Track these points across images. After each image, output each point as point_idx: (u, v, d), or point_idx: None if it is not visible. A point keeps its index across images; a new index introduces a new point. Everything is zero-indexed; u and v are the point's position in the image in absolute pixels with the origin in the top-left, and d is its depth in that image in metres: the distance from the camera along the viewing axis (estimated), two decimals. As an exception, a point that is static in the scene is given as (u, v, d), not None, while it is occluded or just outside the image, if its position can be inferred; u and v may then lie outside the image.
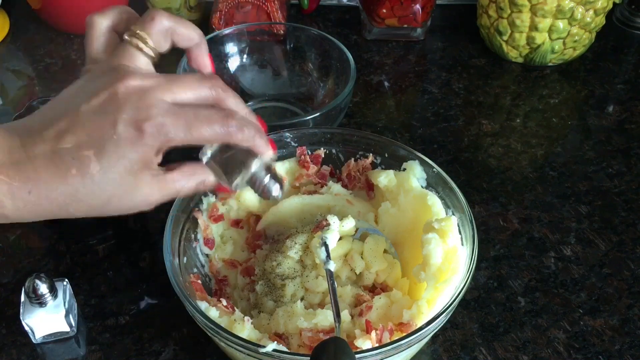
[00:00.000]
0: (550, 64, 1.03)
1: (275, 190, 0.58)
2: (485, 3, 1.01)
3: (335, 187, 0.74)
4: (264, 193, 0.57)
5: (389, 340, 0.58)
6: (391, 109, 0.97)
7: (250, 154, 0.54)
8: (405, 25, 1.07)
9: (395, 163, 0.73)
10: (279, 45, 0.96)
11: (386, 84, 1.02)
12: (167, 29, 0.52)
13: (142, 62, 0.52)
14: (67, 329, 0.67)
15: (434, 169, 0.70)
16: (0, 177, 0.46)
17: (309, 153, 0.76)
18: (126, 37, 0.52)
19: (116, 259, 0.76)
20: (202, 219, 0.70)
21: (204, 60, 0.56)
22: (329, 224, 0.67)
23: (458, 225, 0.65)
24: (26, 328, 0.66)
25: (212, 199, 0.71)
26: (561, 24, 0.97)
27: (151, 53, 0.52)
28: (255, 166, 0.55)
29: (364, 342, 0.58)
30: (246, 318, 0.60)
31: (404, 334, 0.57)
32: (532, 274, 0.75)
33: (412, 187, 0.70)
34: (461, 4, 1.16)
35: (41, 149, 0.47)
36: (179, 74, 0.56)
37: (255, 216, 0.73)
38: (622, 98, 0.99)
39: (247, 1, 1.00)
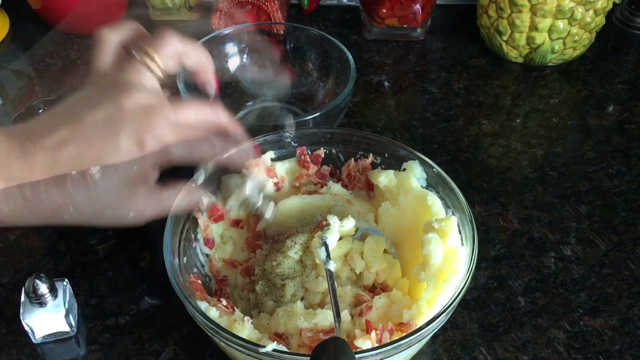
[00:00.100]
0: (550, 64, 1.03)
1: (269, 212, 0.60)
2: (485, 3, 1.02)
3: (335, 187, 0.74)
4: (256, 212, 0.59)
5: (389, 340, 0.58)
6: (391, 109, 0.97)
7: (244, 177, 0.56)
8: (405, 25, 1.07)
9: (395, 163, 0.73)
10: (279, 45, 0.96)
11: (386, 84, 1.02)
12: (177, 51, 0.53)
13: (150, 80, 0.52)
14: (67, 329, 0.67)
15: (434, 169, 0.70)
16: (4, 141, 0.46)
17: (309, 153, 0.76)
18: (135, 53, 0.52)
19: (116, 259, 0.76)
20: (202, 219, 0.70)
21: (210, 80, 0.57)
22: (329, 224, 0.67)
23: (458, 225, 0.65)
24: (26, 328, 0.66)
25: (212, 198, 0.71)
26: (561, 24, 0.97)
27: (159, 72, 0.52)
28: (249, 189, 0.57)
29: (364, 342, 0.58)
30: (246, 318, 0.60)
31: (404, 334, 0.57)
32: (532, 274, 0.75)
33: (412, 187, 0.70)
34: (461, 4, 1.16)
35: (40, 156, 0.47)
36: (183, 100, 0.58)
37: (255, 216, 0.73)
38: (622, 98, 0.99)
39: (247, 1, 1.00)
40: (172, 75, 0.54)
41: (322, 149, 0.76)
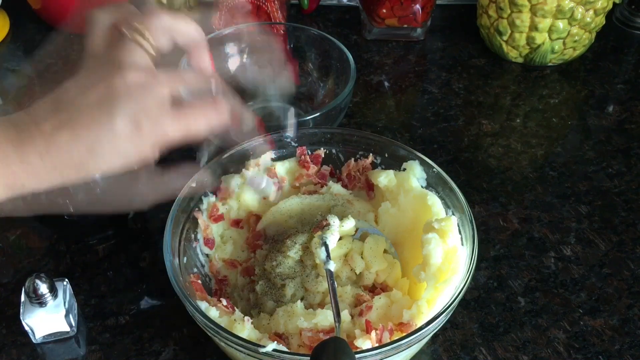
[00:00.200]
0: (550, 64, 1.03)
1: (273, 193, 0.58)
2: (485, 3, 1.01)
3: (335, 187, 0.74)
4: (262, 193, 0.58)
5: (389, 340, 0.58)
6: (391, 109, 0.97)
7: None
8: (405, 25, 1.07)
9: (395, 163, 0.73)
10: (281, 44, 0.96)
11: (386, 84, 1.02)
12: (167, 26, 0.52)
13: (141, 57, 0.51)
14: (67, 329, 0.67)
15: (434, 169, 0.70)
16: (6, 145, 0.45)
17: (309, 153, 0.76)
18: (125, 31, 0.51)
19: (116, 259, 0.76)
20: (202, 219, 0.70)
21: (205, 59, 0.56)
22: (329, 224, 0.67)
23: (458, 225, 0.65)
24: (26, 328, 0.66)
25: (212, 198, 0.71)
26: (561, 24, 0.97)
27: (150, 50, 0.51)
28: (253, 167, 0.56)
29: (364, 342, 0.58)
30: (246, 318, 0.60)
31: (404, 334, 0.57)
32: (532, 274, 0.75)
33: (412, 187, 0.70)
34: (461, 4, 1.16)
35: (37, 143, 0.46)
36: (177, 70, 0.56)
37: (255, 216, 0.73)
38: (622, 98, 0.99)
39: (247, 1, 1.00)
40: (166, 53, 0.53)
41: (322, 149, 0.76)
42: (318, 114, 0.79)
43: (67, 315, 0.66)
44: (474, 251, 0.62)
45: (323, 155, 0.76)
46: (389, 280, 0.68)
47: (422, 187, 0.71)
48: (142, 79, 0.48)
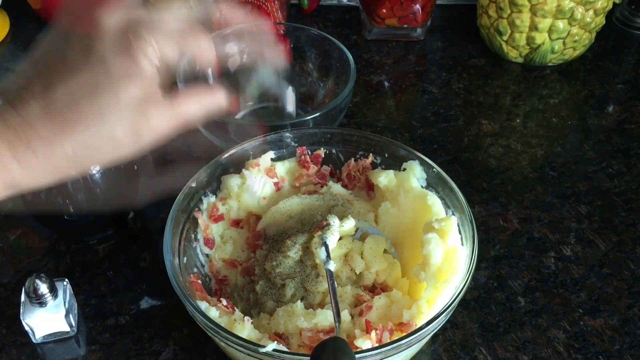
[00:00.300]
0: (550, 64, 1.03)
1: (290, 104, 0.54)
2: (485, 3, 1.01)
3: (335, 187, 0.74)
4: (277, 109, 0.54)
5: (389, 340, 0.58)
6: (391, 109, 0.97)
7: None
8: (405, 25, 1.07)
9: (395, 163, 0.73)
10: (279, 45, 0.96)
11: (386, 84, 1.02)
12: (177, 40, 0.50)
13: (147, 68, 0.48)
14: (67, 328, 0.67)
15: (434, 169, 0.70)
16: (1, 146, 0.44)
17: (309, 153, 0.76)
18: (132, 40, 0.48)
19: (116, 259, 0.76)
20: (202, 219, 0.70)
21: (208, 70, 0.54)
22: (329, 224, 0.67)
23: (458, 225, 0.65)
24: (26, 328, 0.66)
25: (212, 198, 0.71)
26: (561, 24, 0.97)
27: (156, 61, 0.49)
28: (265, 77, 0.52)
29: (364, 342, 0.58)
30: (246, 318, 0.60)
31: (404, 334, 0.57)
32: (532, 274, 0.75)
33: (412, 187, 0.70)
34: (461, 4, 1.16)
35: (34, 107, 0.45)
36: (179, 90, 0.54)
37: (255, 216, 0.73)
38: (622, 98, 0.99)
39: (247, 1, 1.00)
40: (171, 63, 0.51)
41: (322, 149, 0.76)
42: (318, 114, 0.79)
43: (67, 315, 0.66)
44: (474, 251, 0.62)
45: (323, 155, 0.76)
46: (389, 280, 0.68)
47: (422, 187, 0.71)
48: (145, 91, 0.47)
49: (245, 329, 0.59)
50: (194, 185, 0.69)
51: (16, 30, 1.10)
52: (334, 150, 0.76)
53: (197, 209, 0.70)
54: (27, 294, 0.64)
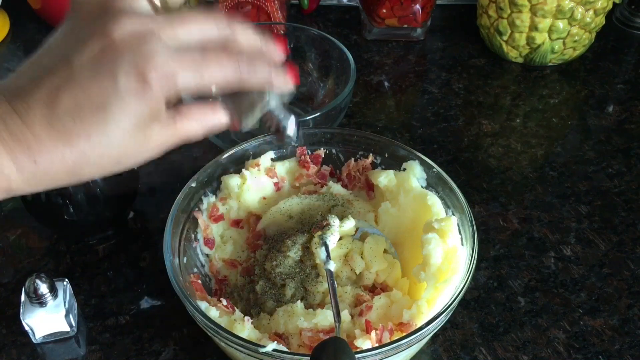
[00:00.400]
0: (550, 64, 1.03)
1: (291, 129, 0.51)
2: (485, 3, 1.02)
3: (335, 187, 0.74)
4: (278, 132, 0.52)
5: (388, 340, 0.58)
6: (391, 109, 0.97)
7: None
8: (405, 25, 1.07)
9: (395, 163, 0.73)
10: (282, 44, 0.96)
11: (386, 84, 1.02)
12: None
13: (140, 3, 0.45)
14: (67, 328, 0.67)
15: (434, 169, 0.70)
16: (1, 150, 0.43)
17: (309, 153, 0.76)
18: None
19: (116, 259, 0.76)
20: (202, 219, 0.70)
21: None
22: (329, 224, 0.67)
23: (458, 225, 0.65)
24: (26, 328, 0.66)
25: (212, 198, 0.72)
26: (561, 24, 0.97)
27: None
28: (270, 101, 0.50)
29: (364, 342, 0.58)
30: (246, 318, 0.60)
31: (404, 334, 0.57)
32: (532, 274, 0.75)
33: (412, 187, 0.70)
34: (461, 4, 1.16)
35: (36, 113, 0.43)
36: (180, 12, 0.48)
37: (255, 216, 0.73)
38: (622, 98, 0.99)
39: (247, 1, 1.00)
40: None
41: (322, 149, 0.76)
42: (318, 114, 0.79)
43: (67, 315, 0.66)
44: (474, 251, 0.62)
45: (323, 155, 0.76)
46: (389, 280, 0.68)
47: (422, 187, 0.71)
48: (142, 26, 0.43)
49: (245, 329, 0.59)
50: (194, 185, 0.69)
51: (16, 30, 1.10)
52: (334, 150, 0.76)
53: (197, 209, 0.70)
54: (27, 294, 0.64)
